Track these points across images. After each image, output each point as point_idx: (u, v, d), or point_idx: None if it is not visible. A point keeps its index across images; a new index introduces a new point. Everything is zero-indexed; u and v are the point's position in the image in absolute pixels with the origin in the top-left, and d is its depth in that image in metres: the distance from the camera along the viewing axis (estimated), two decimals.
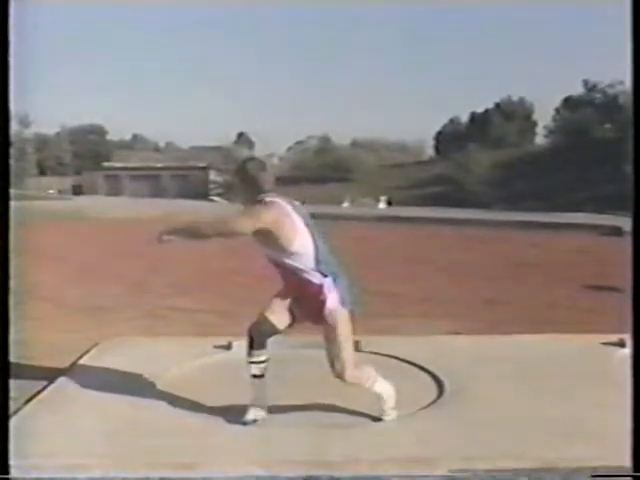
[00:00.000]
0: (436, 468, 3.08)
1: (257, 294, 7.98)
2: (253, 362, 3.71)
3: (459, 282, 9.14)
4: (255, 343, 3.71)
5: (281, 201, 3.64)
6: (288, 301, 3.74)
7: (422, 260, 11.46)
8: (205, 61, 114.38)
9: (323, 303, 3.56)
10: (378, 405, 3.79)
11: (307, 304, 3.63)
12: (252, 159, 3.94)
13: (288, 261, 3.59)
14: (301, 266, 3.58)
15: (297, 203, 3.77)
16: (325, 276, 3.58)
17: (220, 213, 26.32)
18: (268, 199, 3.61)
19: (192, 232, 3.87)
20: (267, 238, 3.54)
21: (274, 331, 3.75)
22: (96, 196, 47.03)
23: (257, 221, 3.51)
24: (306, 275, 3.59)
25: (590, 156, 37.79)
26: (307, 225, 3.64)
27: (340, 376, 3.67)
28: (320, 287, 3.57)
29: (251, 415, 3.68)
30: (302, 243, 3.57)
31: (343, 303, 3.60)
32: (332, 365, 3.68)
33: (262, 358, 3.72)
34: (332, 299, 3.57)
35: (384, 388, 3.81)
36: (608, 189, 29.48)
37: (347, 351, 3.66)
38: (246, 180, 3.66)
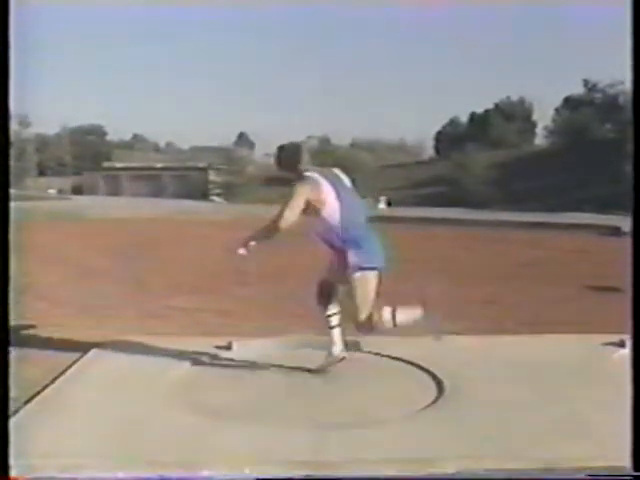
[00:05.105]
0: (436, 468, 3.07)
1: (257, 294, 8.01)
2: (327, 316, 4.45)
3: (459, 282, 9.13)
4: (322, 300, 4.43)
5: (316, 174, 4.28)
6: (337, 258, 4.31)
7: (421, 260, 11.46)
8: (205, 61, 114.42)
9: (347, 265, 4.17)
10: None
11: (336, 264, 4.28)
12: (287, 145, 4.50)
13: (319, 227, 4.24)
14: (329, 231, 4.20)
15: (336, 172, 4.44)
16: (345, 242, 4.17)
17: (218, 212, 26.33)
18: (307, 174, 4.27)
19: (266, 235, 4.29)
20: (307, 208, 4.19)
21: (332, 286, 4.42)
22: (96, 196, 46.99)
23: (302, 196, 4.15)
24: (333, 240, 4.21)
25: (590, 156, 37.74)
26: (339, 194, 4.22)
27: (357, 325, 4.31)
28: (343, 251, 4.17)
29: (335, 354, 4.43)
30: (330, 212, 4.16)
31: (368, 264, 4.19)
32: (351, 316, 4.30)
33: (333, 311, 4.44)
34: (354, 262, 4.16)
35: (405, 316, 4.37)
36: (608, 189, 29.44)
37: (364, 305, 4.24)
38: (285, 163, 4.39)
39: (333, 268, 4.39)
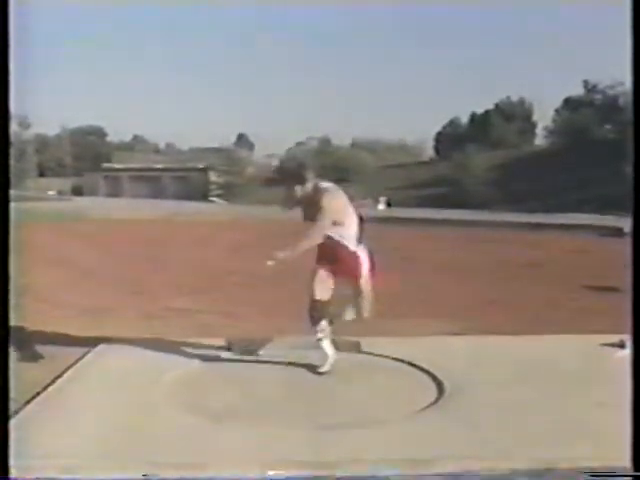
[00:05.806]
0: (436, 468, 3.07)
1: (257, 294, 8.01)
2: (317, 331, 4.50)
3: (459, 283, 9.14)
4: (314, 320, 4.46)
5: (332, 185, 4.41)
6: (328, 269, 4.39)
7: (422, 261, 11.46)
8: (205, 62, 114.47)
9: (360, 266, 4.37)
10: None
11: (345, 267, 4.37)
12: (289, 161, 4.53)
13: (338, 234, 4.31)
14: (347, 238, 4.33)
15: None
16: (360, 243, 4.38)
17: (220, 213, 26.35)
18: (324, 185, 4.37)
19: (304, 248, 4.34)
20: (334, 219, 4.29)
21: (326, 305, 4.47)
22: (96, 197, 46.98)
23: (333, 209, 4.25)
24: (348, 245, 4.34)
25: (590, 157, 37.76)
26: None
27: (363, 317, 4.57)
28: (356, 254, 4.36)
29: (327, 366, 4.49)
30: (351, 220, 4.37)
31: (373, 261, 4.44)
32: (360, 310, 4.54)
33: (323, 327, 4.49)
34: (365, 262, 4.40)
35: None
36: (608, 189, 29.43)
37: (368, 298, 4.51)
38: (291, 178, 4.38)
39: (323, 279, 4.44)
